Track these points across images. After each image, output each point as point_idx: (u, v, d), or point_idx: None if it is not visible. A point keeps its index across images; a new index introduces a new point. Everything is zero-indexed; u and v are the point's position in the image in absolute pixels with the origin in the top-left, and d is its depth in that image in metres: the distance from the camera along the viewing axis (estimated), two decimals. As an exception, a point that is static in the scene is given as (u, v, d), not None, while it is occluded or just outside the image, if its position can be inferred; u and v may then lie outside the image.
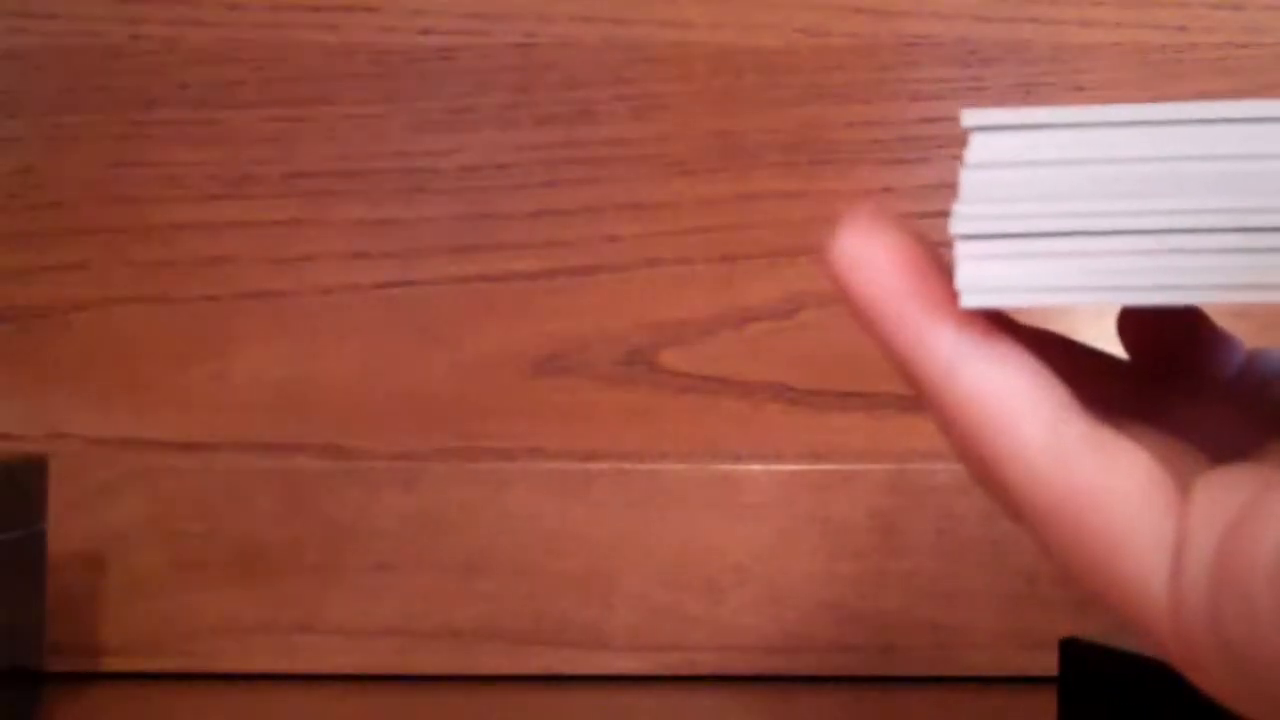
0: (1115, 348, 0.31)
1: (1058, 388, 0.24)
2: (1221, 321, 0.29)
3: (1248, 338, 0.31)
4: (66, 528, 0.62)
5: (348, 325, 0.65)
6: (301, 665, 0.63)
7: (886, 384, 0.63)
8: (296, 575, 0.63)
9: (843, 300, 0.25)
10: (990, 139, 0.24)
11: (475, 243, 0.65)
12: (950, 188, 0.25)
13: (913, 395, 0.26)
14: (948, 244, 0.25)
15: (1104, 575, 0.23)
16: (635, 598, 0.63)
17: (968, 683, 0.62)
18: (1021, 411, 0.24)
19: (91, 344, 0.65)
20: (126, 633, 0.63)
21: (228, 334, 0.65)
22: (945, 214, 0.25)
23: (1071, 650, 0.50)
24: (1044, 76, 0.65)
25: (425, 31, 0.65)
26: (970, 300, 0.24)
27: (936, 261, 0.25)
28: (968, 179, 0.24)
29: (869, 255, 0.25)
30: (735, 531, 0.63)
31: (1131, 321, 0.30)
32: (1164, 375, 0.29)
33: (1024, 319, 0.27)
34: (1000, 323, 0.25)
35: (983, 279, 0.24)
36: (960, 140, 0.25)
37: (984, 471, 0.25)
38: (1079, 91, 0.65)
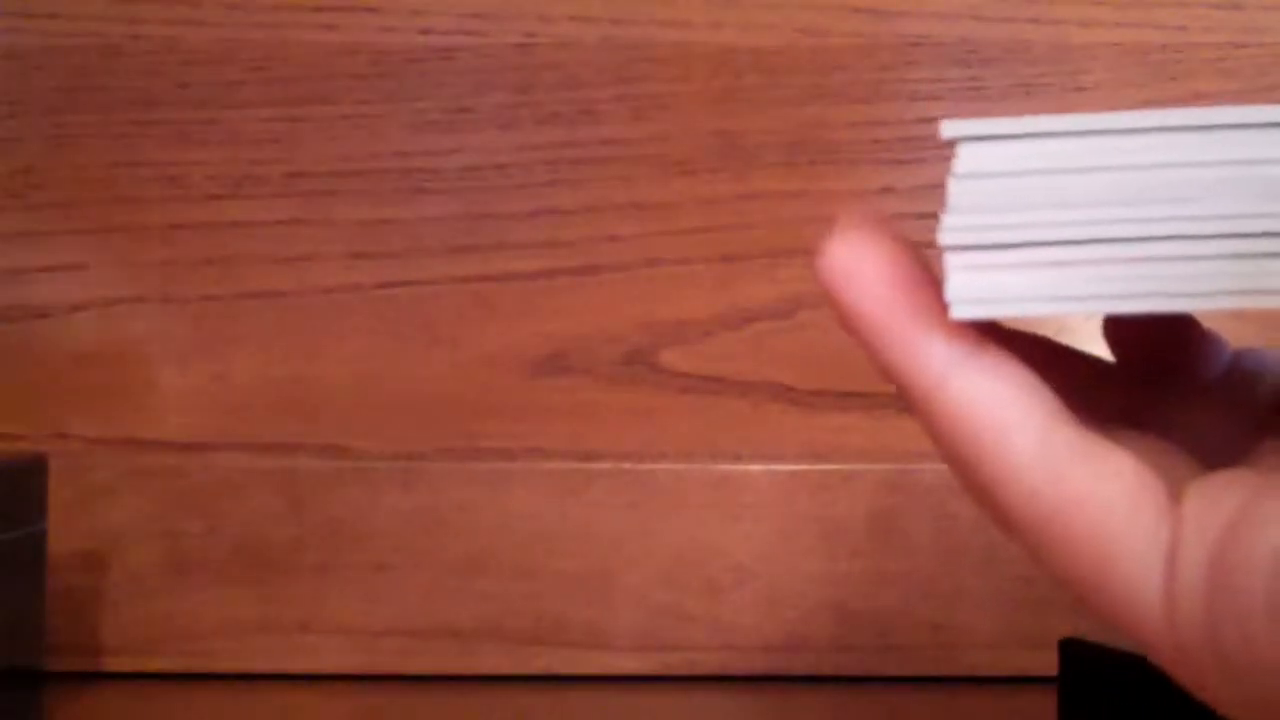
0: (1104, 347, 0.31)
1: (1048, 397, 0.24)
2: (1221, 323, 0.29)
3: (1249, 339, 0.31)
4: (66, 528, 0.62)
5: (348, 325, 0.65)
6: (301, 665, 0.63)
7: (886, 384, 0.63)
8: (296, 575, 0.63)
9: (834, 310, 0.25)
10: (977, 149, 0.24)
11: (475, 243, 0.65)
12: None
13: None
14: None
15: (1098, 584, 0.23)
16: (635, 598, 0.63)
17: (968, 683, 0.62)
18: (1012, 423, 0.24)
19: (91, 344, 0.65)
20: (126, 633, 0.63)
21: (228, 334, 0.65)
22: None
23: (1071, 650, 0.50)
24: (1044, 76, 0.65)
25: (425, 31, 0.65)
26: (960, 312, 0.24)
27: (927, 271, 0.25)
28: (955, 189, 0.24)
29: (859, 266, 0.25)
30: (735, 531, 0.63)
31: (1118, 324, 0.30)
32: (1151, 377, 0.29)
33: (1012, 322, 0.27)
34: (989, 331, 0.25)
35: (973, 290, 0.24)
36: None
37: (975, 482, 0.25)
38: (1079, 91, 0.65)
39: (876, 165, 0.65)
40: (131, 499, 0.63)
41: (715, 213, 0.65)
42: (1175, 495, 0.23)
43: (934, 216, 0.24)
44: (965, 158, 0.24)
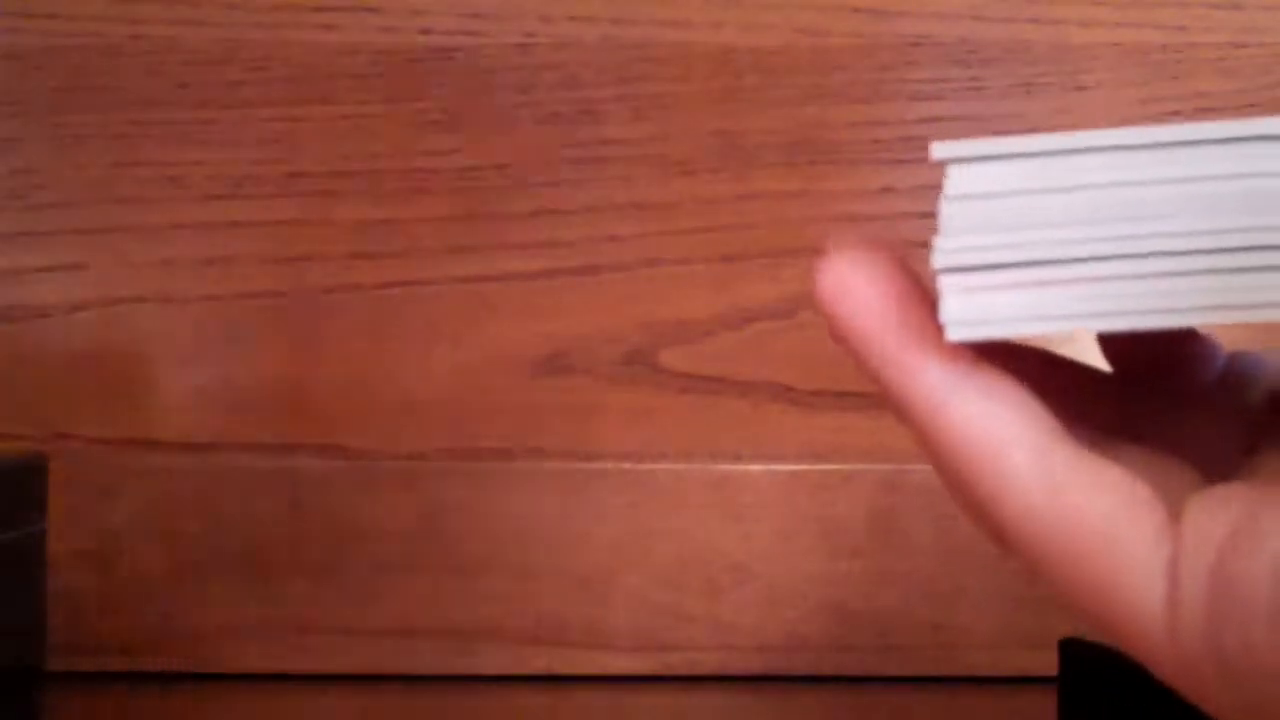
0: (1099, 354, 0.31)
1: (1043, 415, 0.24)
2: (1225, 329, 0.29)
3: (1252, 344, 0.31)
4: (66, 528, 0.62)
5: (348, 325, 0.65)
6: (301, 665, 0.63)
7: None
8: (296, 575, 0.63)
9: (831, 329, 0.25)
10: (967, 170, 0.24)
11: (475, 243, 0.65)
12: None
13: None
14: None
15: (1098, 600, 0.23)
16: (635, 598, 0.63)
17: (968, 683, 0.62)
18: (1008, 442, 0.24)
19: (91, 344, 0.65)
20: (126, 633, 0.63)
21: (228, 334, 0.65)
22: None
23: (1071, 650, 0.50)
24: (1044, 76, 0.65)
25: (425, 31, 0.65)
26: (956, 334, 0.24)
27: (923, 290, 0.25)
28: (946, 211, 0.24)
29: (858, 286, 0.25)
30: (735, 531, 0.63)
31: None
32: (1147, 384, 0.29)
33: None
34: (985, 347, 0.25)
35: (968, 311, 0.24)
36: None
37: (972, 500, 0.25)
38: (1079, 91, 0.65)
39: (876, 165, 0.65)
40: (132, 499, 0.63)
41: (715, 213, 0.65)
42: (1174, 509, 0.23)
43: (935, 216, 0.24)
44: (956, 179, 0.24)
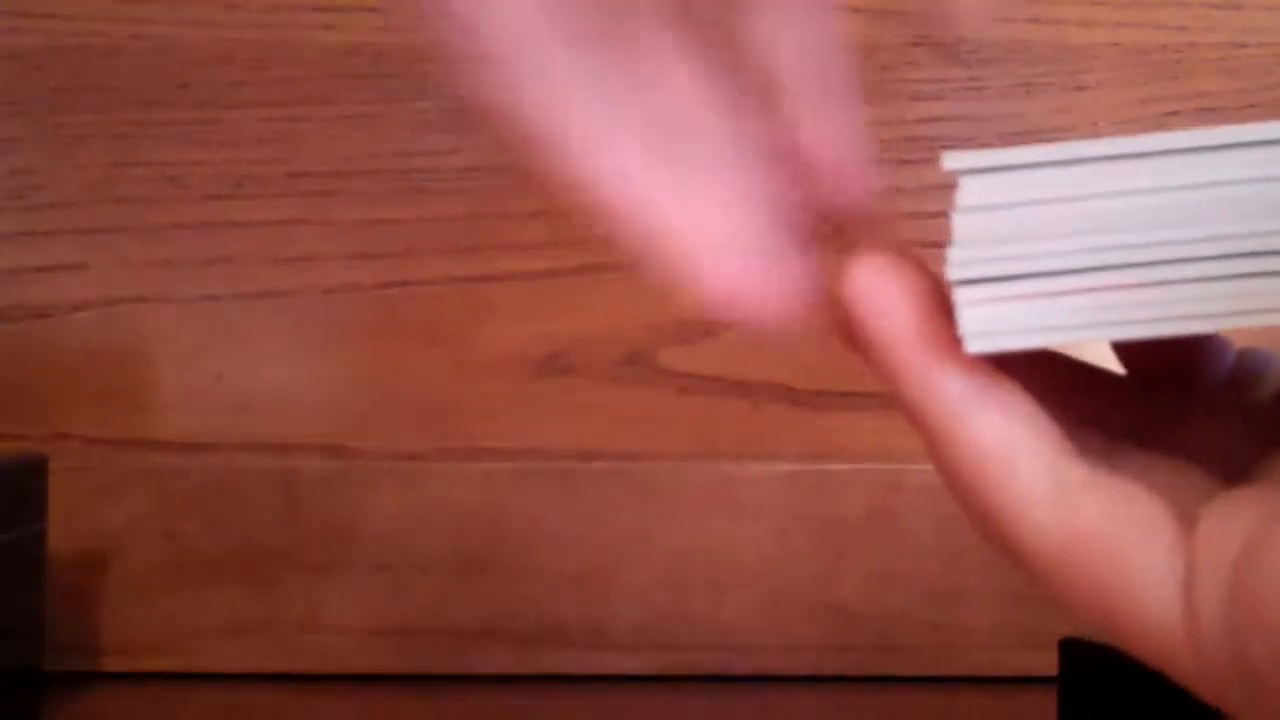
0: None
1: (1056, 432, 0.24)
2: (1235, 329, 0.29)
3: (1261, 343, 0.31)
4: (66, 528, 0.62)
5: (347, 325, 0.65)
6: (301, 665, 0.63)
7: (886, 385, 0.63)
8: (296, 575, 0.63)
9: (846, 337, 0.25)
10: (979, 181, 0.24)
11: (475, 243, 0.65)
12: (951, 187, 0.25)
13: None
14: (944, 244, 0.24)
15: (1114, 614, 0.23)
16: (636, 598, 0.63)
17: (968, 683, 0.62)
18: (1021, 461, 0.24)
19: (91, 344, 0.65)
20: (126, 633, 0.63)
21: (228, 334, 0.65)
22: (947, 214, 0.25)
23: (1071, 650, 0.50)
24: (1044, 76, 0.65)
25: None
26: (975, 346, 0.24)
27: (943, 299, 0.25)
28: (959, 222, 0.24)
29: (884, 295, 0.24)
30: (735, 531, 0.63)
31: None
32: (1158, 385, 0.29)
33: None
34: (1000, 355, 0.25)
35: (985, 323, 0.24)
36: (960, 141, 0.25)
37: (982, 514, 0.25)
38: (1079, 91, 0.65)
39: (877, 165, 0.65)
40: (131, 499, 0.63)
41: (715, 213, 0.65)
42: (1188, 520, 0.23)
43: (938, 216, 0.24)
44: (967, 191, 0.24)
